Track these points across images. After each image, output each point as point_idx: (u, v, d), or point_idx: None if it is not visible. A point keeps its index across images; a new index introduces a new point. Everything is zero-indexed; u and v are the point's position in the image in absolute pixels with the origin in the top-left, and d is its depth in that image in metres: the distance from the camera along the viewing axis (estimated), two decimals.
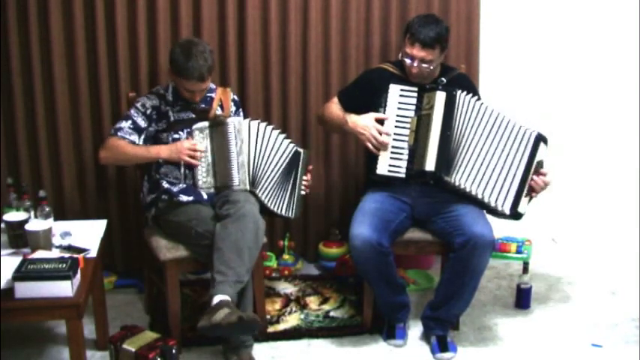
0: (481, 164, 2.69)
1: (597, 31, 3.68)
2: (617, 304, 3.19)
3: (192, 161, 2.76)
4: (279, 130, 2.91)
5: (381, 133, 2.74)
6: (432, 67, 2.78)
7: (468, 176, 2.69)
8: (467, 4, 3.40)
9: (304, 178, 2.96)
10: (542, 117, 3.74)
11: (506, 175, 2.68)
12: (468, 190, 2.69)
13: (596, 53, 3.71)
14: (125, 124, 2.79)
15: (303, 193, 2.97)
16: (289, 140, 2.93)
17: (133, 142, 2.79)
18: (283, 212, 2.90)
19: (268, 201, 2.84)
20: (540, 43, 3.68)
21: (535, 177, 2.70)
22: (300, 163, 2.94)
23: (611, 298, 3.26)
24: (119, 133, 2.78)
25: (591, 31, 3.68)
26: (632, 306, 3.15)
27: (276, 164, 2.87)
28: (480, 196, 2.69)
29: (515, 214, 2.70)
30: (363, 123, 2.78)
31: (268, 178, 2.85)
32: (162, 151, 2.78)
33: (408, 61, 2.78)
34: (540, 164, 2.71)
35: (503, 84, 3.60)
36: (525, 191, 2.69)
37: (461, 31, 3.42)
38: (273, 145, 2.87)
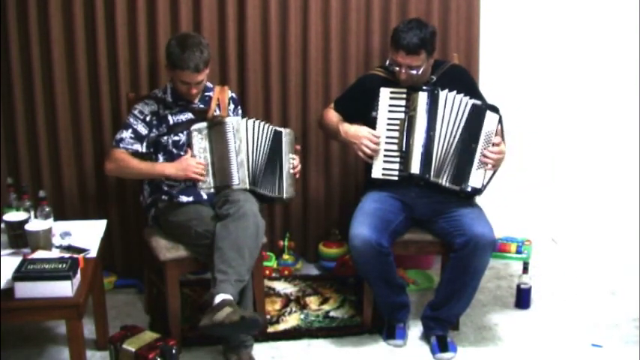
0: (456, 155, 2.72)
1: (597, 29, 3.67)
2: (617, 304, 3.19)
3: (199, 178, 2.77)
4: (264, 122, 2.89)
5: (372, 141, 2.75)
6: (419, 72, 2.77)
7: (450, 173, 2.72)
8: (467, 4, 3.39)
9: (292, 157, 2.91)
10: (542, 116, 3.75)
11: (460, 155, 2.71)
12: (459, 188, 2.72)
13: (597, 52, 3.71)
14: (126, 134, 2.80)
15: (292, 172, 2.90)
16: (268, 124, 2.89)
17: (137, 151, 2.80)
18: (276, 194, 2.85)
19: (267, 190, 2.84)
20: (541, 41, 3.68)
21: (489, 149, 2.71)
22: (283, 143, 2.89)
23: (611, 298, 3.26)
24: (121, 145, 2.79)
25: (591, 30, 3.68)
26: (632, 306, 3.15)
27: (266, 153, 2.86)
28: (441, 183, 2.72)
29: (469, 190, 2.71)
30: (354, 132, 2.80)
31: (264, 170, 2.85)
32: (167, 169, 2.78)
33: (396, 68, 2.78)
34: (491, 134, 2.71)
35: (503, 82, 3.60)
36: (476, 165, 2.70)
37: (461, 30, 3.42)
38: (264, 137, 2.87)
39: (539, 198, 3.85)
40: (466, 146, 2.71)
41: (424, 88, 2.74)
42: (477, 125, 2.70)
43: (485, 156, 2.71)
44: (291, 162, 2.90)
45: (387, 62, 2.83)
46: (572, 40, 3.69)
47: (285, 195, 2.88)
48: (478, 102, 2.73)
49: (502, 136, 2.77)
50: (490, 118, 2.71)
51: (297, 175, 2.95)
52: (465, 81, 2.90)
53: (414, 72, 2.75)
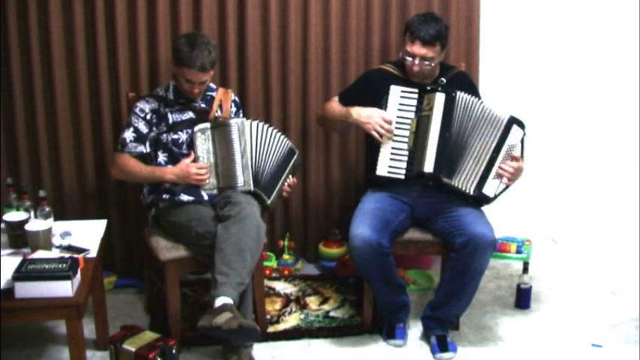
0: (469, 158, 2.71)
1: (597, 30, 3.67)
2: (617, 304, 3.19)
3: (201, 183, 2.78)
4: (276, 129, 2.91)
5: (386, 121, 2.74)
6: (432, 65, 2.78)
7: (465, 176, 2.70)
8: (467, 4, 3.40)
9: (290, 178, 2.93)
10: (542, 116, 3.75)
11: (478, 159, 2.70)
12: (465, 190, 2.70)
13: (596, 52, 3.71)
14: (128, 134, 2.80)
15: (283, 187, 2.90)
16: (285, 137, 2.93)
17: (141, 153, 2.81)
18: (264, 197, 2.83)
19: (263, 193, 2.84)
20: (540, 42, 3.68)
21: (508, 162, 2.70)
22: (292, 161, 2.91)
23: (611, 298, 3.26)
24: (125, 150, 2.80)
25: (591, 30, 3.68)
26: (632, 306, 3.15)
27: (274, 160, 2.87)
28: (453, 183, 2.70)
29: (481, 196, 2.71)
30: (367, 112, 2.78)
31: (267, 175, 2.86)
32: (167, 175, 2.78)
33: (408, 59, 2.79)
34: (513, 148, 2.71)
35: (503, 84, 3.60)
36: (493, 174, 2.70)
37: (461, 31, 3.42)
38: (272, 143, 2.87)
39: (539, 198, 3.84)
40: (487, 154, 2.69)
41: (440, 89, 2.74)
42: (502, 136, 2.69)
43: (502, 169, 2.70)
44: (287, 180, 2.91)
45: (400, 54, 2.84)
46: (572, 41, 3.69)
47: (269, 201, 2.85)
48: (508, 114, 2.72)
49: (522, 153, 2.76)
50: (515, 132, 2.70)
51: (285, 194, 2.95)
52: (468, 89, 2.87)
53: (427, 63, 2.76)
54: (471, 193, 2.71)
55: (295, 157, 2.94)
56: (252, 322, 2.49)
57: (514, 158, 2.72)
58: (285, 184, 2.91)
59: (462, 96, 2.71)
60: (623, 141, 3.81)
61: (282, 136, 2.91)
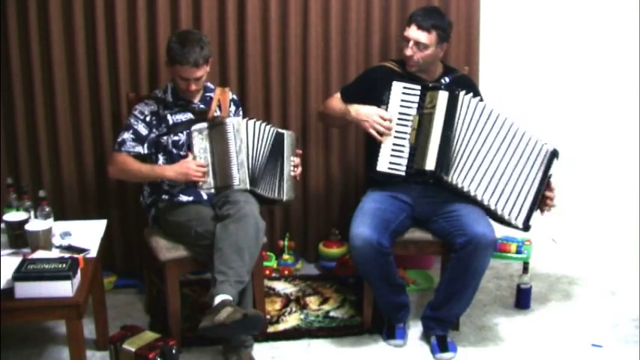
0: (486, 169, 2.69)
1: (597, 31, 3.67)
2: (617, 304, 3.19)
3: (199, 180, 2.78)
4: (269, 124, 2.90)
5: (384, 119, 2.74)
6: (427, 53, 2.79)
7: (472, 179, 2.69)
8: (467, 4, 3.40)
9: (292, 159, 2.92)
10: (542, 117, 3.74)
11: (521, 188, 2.71)
12: (472, 194, 2.69)
13: (596, 54, 3.71)
14: (127, 135, 2.80)
15: (292, 174, 2.91)
16: (270, 125, 2.90)
17: (139, 153, 2.80)
18: (276, 196, 2.86)
19: (266, 192, 2.84)
20: (540, 43, 3.68)
21: (547, 192, 2.73)
22: (285, 145, 2.89)
23: (611, 298, 3.26)
24: (123, 149, 2.79)
25: (591, 32, 3.67)
26: (632, 306, 3.15)
27: (266, 154, 2.87)
28: (492, 207, 2.70)
29: (527, 228, 2.73)
30: (366, 111, 2.78)
31: (264, 171, 2.85)
32: (167, 172, 2.78)
33: (404, 44, 2.82)
34: (550, 178, 2.75)
35: (503, 84, 3.59)
36: (537, 205, 2.72)
37: (461, 31, 3.42)
38: (266, 139, 2.87)
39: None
40: (529, 184, 2.71)
41: (442, 87, 2.74)
42: (546, 169, 2.70)
43: (546, 203, 2.73)
44: (291, 164, 2.90)
45: (397, 38, 2.87)
46: (572, 41, 3.69)
47: (284, 197, 2.88)
48: (551, 146, 2.73)
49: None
50: (554, 164, 2.73)
51: (298, 178, 2.96)
52: (471, 92, 2.87)
53: (421, 51, 2.78)
54: (520, 226, 2.71)
55: (285, 140, 2.89)
56: (254, 310, 2.49)
57: (551, 189, 2.74)
58: (291, 169, 2.90)
59: (464, 96, 2.69)
60: (622, 141, 3.81)
61: (268, 126, 2.87)
